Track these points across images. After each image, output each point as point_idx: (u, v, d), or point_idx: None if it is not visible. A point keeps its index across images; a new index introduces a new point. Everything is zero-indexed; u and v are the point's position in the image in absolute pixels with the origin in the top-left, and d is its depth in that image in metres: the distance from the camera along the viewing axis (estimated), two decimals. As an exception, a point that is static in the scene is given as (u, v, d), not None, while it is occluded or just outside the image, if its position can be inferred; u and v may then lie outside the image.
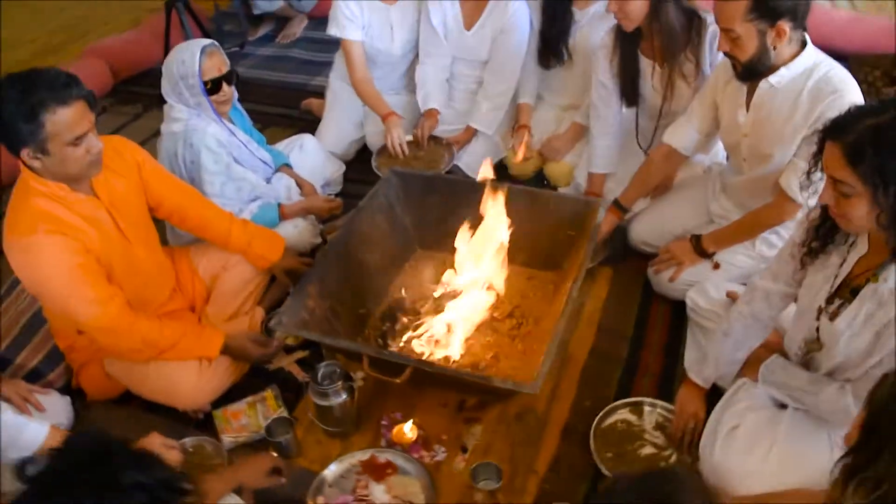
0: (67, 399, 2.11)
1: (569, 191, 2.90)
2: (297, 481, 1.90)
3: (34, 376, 2.16)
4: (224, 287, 2.35)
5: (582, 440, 2.01)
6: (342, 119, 3.21)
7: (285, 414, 2.11)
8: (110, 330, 1.93)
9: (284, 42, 4.47)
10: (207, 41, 2.39)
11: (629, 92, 2.63)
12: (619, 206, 2.55)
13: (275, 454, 1.95)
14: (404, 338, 2.16)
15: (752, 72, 2.08)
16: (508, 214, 2.18)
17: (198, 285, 2.35)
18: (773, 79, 2.07)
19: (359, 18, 2.94)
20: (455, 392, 2.14)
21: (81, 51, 4.26)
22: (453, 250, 2.26)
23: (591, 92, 2.71)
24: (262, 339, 2.21)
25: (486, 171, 2.23)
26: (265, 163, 2.66)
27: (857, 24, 3.77)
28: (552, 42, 2.87)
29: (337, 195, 3.00)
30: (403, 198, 2.53)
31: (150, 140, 3.51)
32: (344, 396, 1.97)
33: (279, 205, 2.58)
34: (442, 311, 2.19)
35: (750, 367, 1.93)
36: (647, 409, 2.08)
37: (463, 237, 2.22)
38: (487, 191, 2.18)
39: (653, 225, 2.60)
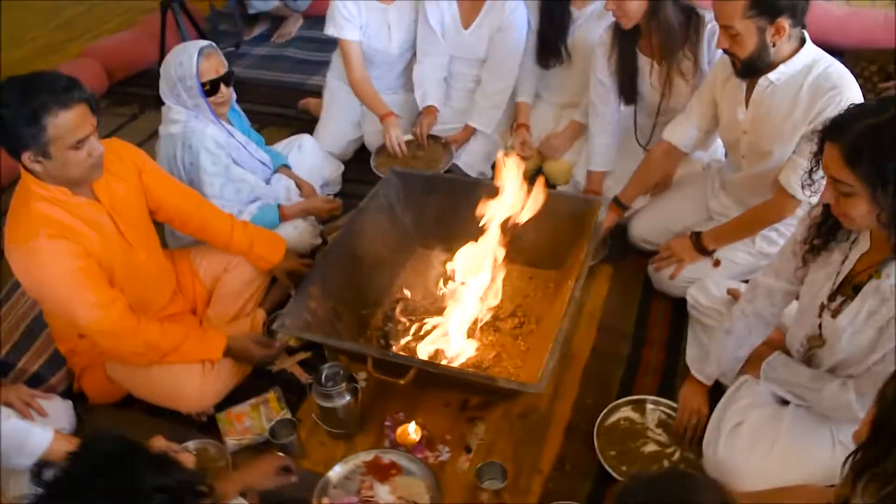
0: (69, 403, 2.11)
1: (568, 189, 2.90)
2: (302, 483, 1.89)
3: (36, 381, 2.15)
4: (225, 289, 2.35)
5: (585, 438, 2.02)
6: (340, 119, 3.20)
7: (288, 416, 2.11)
8: (112, 333, 1.93)
9: (280, 41, 4.46)
10: (205, 43, 2.38)
11: (627, 90, 2.63)
12: (618, 204, 2.55)
13: (282, 454, 1.95)
14: (407, 338, 2.16)
15: (751, 69, 2.08)
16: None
17: (199, 288, 2.35)
18: (772, 76, 2.08)
19: (356, 18, 2.94)
20: (458, 392, 2.14)
21: (81, 50, 4.24)
22: (454, 249, 2.26)
23: (590, 90, 2.71)
24: (264, 340, 2.21)
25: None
26: (264, 164, 2.66)
27: (852, 18, 3.77)
28: (551, 42, 2.86)
29: (336, 195, 3.00)
30: (404, 198, 2.53)
31: (147, 141, 3.51)
32: (348, 398, 1.97)
33: (279, 206, 2.57)
34: (444, 310, 2.19)
35: (752, 364, 1.94)
36: (649, 406, 2.09)
37: (465, 238, 2.22)
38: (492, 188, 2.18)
39: (652, 222, 2.60)
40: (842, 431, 1.77)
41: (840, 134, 1.48)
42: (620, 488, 1.13)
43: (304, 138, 3.00)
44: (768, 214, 2.23)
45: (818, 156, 1.57)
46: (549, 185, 2.95)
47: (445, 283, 2.27)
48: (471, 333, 2.19)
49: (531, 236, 2.27)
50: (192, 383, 2.06)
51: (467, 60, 3.05)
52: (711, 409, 1.95)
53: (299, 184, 2.76)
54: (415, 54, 3.11)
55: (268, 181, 2.68)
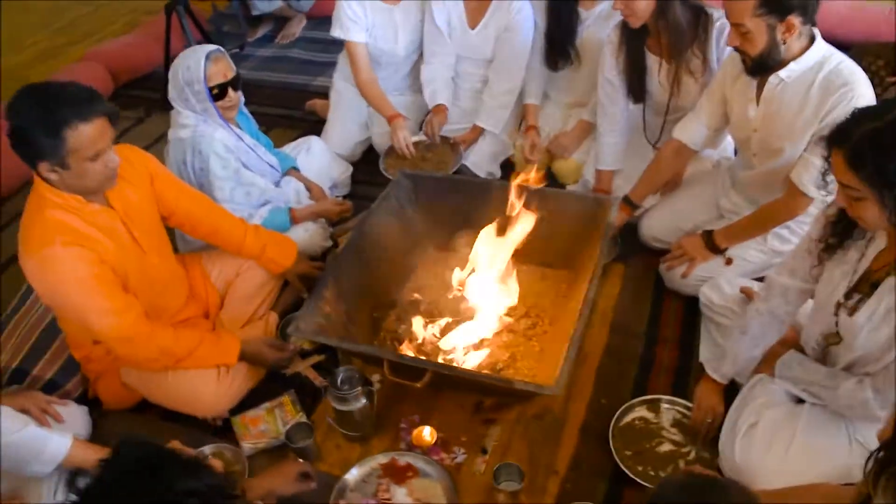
0: (85, 409, 2.11)
1: (577, 188, 2.90)
2: (318, 486, 1.89)
3: (51, 387, 2.15)
4: (238, 293, 2.35)
5: (600, 439, 2.02)
6: (347, 120, 3.20)
7: (304, 419, 2.11)
8: (127, 340, 1.93)
9: (284, 42, 4.46)
10: (213, 47, 2.38)
11: (636, 88, 2.63)
12: (629, 203, 2.55)
13: (301, 460, 1.96)
14: (420, 340, 2.16)
15: (762, 66, 2.08)
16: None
17: (211, 292, 2.35)
18: (782, 73, 2.08)
19: (362, 20, 2.93)
20: (472, 394, 2.14)
21: (83, 54, 4.24)
22: (466, 251, 2.27)
23: (598, 89, 2.71)
24: (278, 343, 2.22)
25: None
26: (272, 167, 2.66)
27: (858, 12, 3.77)
28: (559, 43, 2.86)
29: (345, 197, 3.01)
30: (414, 199, 2.53)
31: (154, 145, 3.51)
32: (363, 401, 1.97)
33: (289, 209, 2.57)
34: (457, 312, 2.19)
35: (766, 363, 1.94)
36: (664, 406, 2.09)
37: (477, 239, 2.22)
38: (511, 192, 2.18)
39: (663, 221, 2.60)
40: (858, 430, 1.77)
41: (843, 140, 1.50)
42: (652, 494, 1.14)
43: (313, 140, 3.00)
44: (780, 212, 2.23)
45: (828, 160, 1.58)
46: (559, 184, 2.97)
47: (458, 285, 2.27)
48: (485, 335, 2.19)
49: (543, 236, 2.27)
50: (208, 388, 2.06)
51: (474, 60, 3.05)
52: (726, 408, 1.95)
53: (309, 186, 2.76)
54: (421, 55, 3.11)
55: (277, 184, 2.68)
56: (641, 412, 2.08)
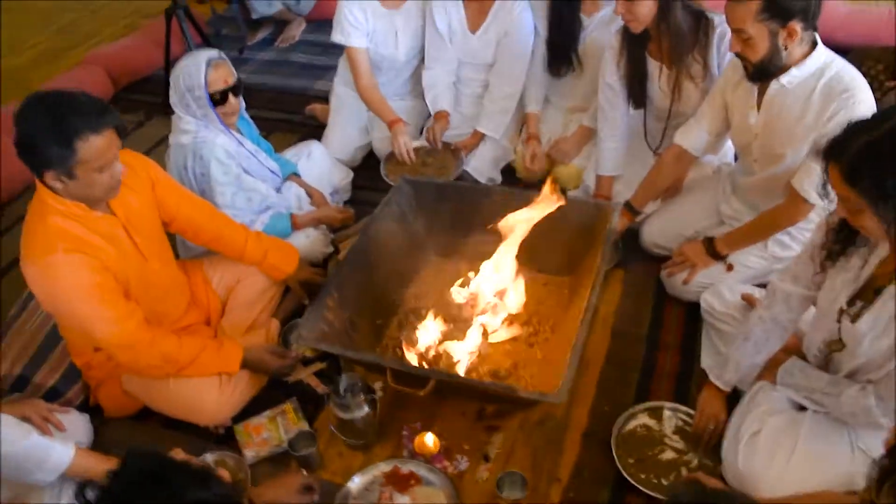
0: (86, 417, 2.10)
1: (578, 194, 2.90)
2: (321, 494, 1.89)
3: (52, 395, 2.15)
4: (239, 299, 2.35)
5: (602, 446, 2.02)
6: (347, 125, 3.20)
7: (306, 427, 2.11)
8: (129, 347, 1.93)
9: (283, 46, 4.45)
10: (214, 53, 2.37)
11: (637, 94, 2.63)
12: (630, 209, 2.55)
13: (305, 472, 1.95)
14: (422, 348, 2.16)
15: (763, 72, 2.09)
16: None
17: (212, 298, 2.35)
18: (784, 79, 2.08)
19: (363, 25, 2.93)
20: (475, 401, 2.14)
21: (83, 57, 4.23)
22: (468, 257, 2.27)
23: (599, 94, 2.71)
24: (280, 351, 2.21)
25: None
26: (273, 172, 2.65)
27: (857, 16, 3.78)
28: (561, 50, 2.86)
29: (346, 202, 3.00)
30: (416, 206, 2.52)
31: (154, 149, 3.50)
32: (366, 409, 1.97)
33: (291, 215, 2.57)
34: (459, 319, 2.19)
35: (768, 370, 1.94)
36: (666, 413, 2.08)
37: (478, 245, 2.22)
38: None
39: (664, 227, 2.60)
40: (860, 437, 1.77)
41: (839, 154, 1.50)
42: None
43: (314, 145, 2.99)
44: (781, 218, 2.23)
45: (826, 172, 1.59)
46: (560, 189, 2.96)
47: (460, 292, 2.27)
48: (487, 342, 2.19)
49: (544, 243, 2.27)
50: (210, 396, 2.06)
51: (475, 65, 3.04)
52: (729, 415, 1.95)
53: (309, 192, 2.76)
54: (422, 60, 3.11)
55: (278, 189, 2.68)
56: (644, 419, 2.08)
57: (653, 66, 2.55)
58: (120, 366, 2.07)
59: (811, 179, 2.03)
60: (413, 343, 2.16)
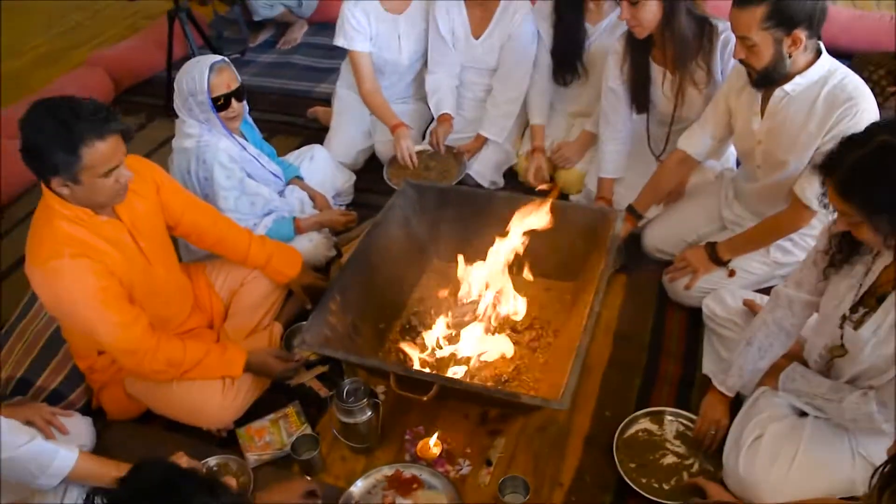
0: (89, 420, 2.11)
1: (580, 198, 2.91)
2: (323, 498, 1.90)
3: (55, 398, 2.15)
4: (242, 303, 2.35)
5: (604, 450, 2.02)
6: (350, 128, 3.20)
7: (308, 430, 2.11)
8: (134, 352, 1.94)
9: (285, 48, 4.45)
10: (217, 58, 2.38)
11: (640, 98, 2.63)
12: (633, 213, 2.56)
13: (308, 477, 1.96)
14: (425, 353, 2.16)
15: (767, 79, 2.09)
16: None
17: (215, 302, 2.35)
18: (788, 87, 2.08)
19: (366, 29, 2.93)
20: (477, 405, 2.14)
21: (84, 58, 4.23)
22: (471, 262, 2.27)
23: (602, 98, 2.71)
24: (284, 354, 2.22)
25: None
26: (276, 176, 2.66)
27: (858, 21, 3.78)
28: (567, 59, 2.86)
29: (348, 206, 3.01)
30: (419, 210, 2.53)
31: (156, 151, 3.51)
32: (369, 413, 1.98)
33: (294, 218, 2.57)
34: (462, 324, 2.20)
35: (770, 375, 1.95)
36: (668, 418, 2.09)
37: (481, 249, 2.23)
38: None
39: (666, 232, 2.61)
40: (861, 443, 1.78)
41: (833, 170, 1.54)
42: None
43: (316, 149, 3.00)
44: (783, 225, 2.24)
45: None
46: (562, 194, 2.97)
47: (462, 297, 2.27)
48: (489, 347, 2.19)
49: (547, 248, 2.28)
50: (213, 399, 2.06)
51: (478, 70, 3.05)
52: (731, 421, 1.96)
53: (312, 195, 2.76)
54: (425, 64, 3.11)
55: (281, 193, 2.68)
56: (645, 424, 2.08)
57: (656, 71, 2.56)
58: (124, 369, 2.07)
59: (813, 187, 2.03)
60: (416, 347, 2.16)
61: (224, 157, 2.39)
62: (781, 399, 1.90)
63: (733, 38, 2.11)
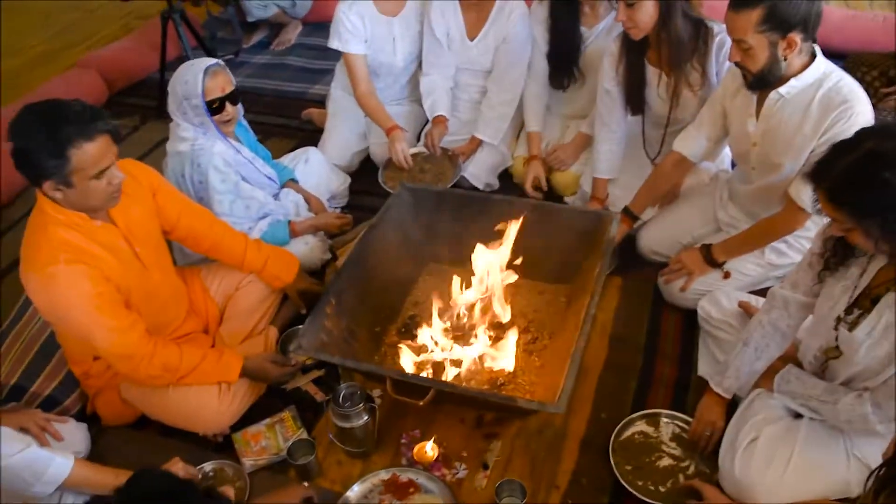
0: (84, 426, 2.10)
1: (575, 200, 2.91)
2: (320, 502, 1.90)
3: (50, 404, 2.13)
4: (237, 307, 2.35)
5: (600, 453, 2.03)
6: (345, 130, 3.19)
7: (305, 435, 2.11)
8: (130, 357, 1.93)
9: (279, 49, 4.44)
10: (212, 61, 2.37)
11: (635, 100, 2.64)
12: (629, 214, 2.56)
13: (305, 482, 1.95)
14: (421, 357, 2.16)
15: (762, 82, 2.10)
16: (521, 228, 2.19)
17: (211, 306, 2.35)
18: (783, 89, 2.09)
19: (361, 32, 2.92)
20: (473, 408, 2.14)
21: (78, 59, 4.21)
22: (466, 265, 2.27)
23: (597, 99, 2.71)
24: (280, 359, 2.21)
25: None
26: (271, 179, 2.65)
27: (851, 22, 3.79)
28: (563, 64, 2.86)
29: (343, 208, 3.00)
30: (415, 213, 2.52)
31: (149, 153, 3.49)
32: (365, 418, 1.98)
33: (289, 222, 2.57)
34: (458, 327, 2.20)
35: (765, 377, 1.96)
36: (663, 420, 2.09)
37: (475, 255, 2.22)
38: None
39: (661, 233, 2.61)
40: (856, 445, 1.79)
41: (823, 178, 1.55)
42: None
43: (311, 151, 2.99)
44: (778, 227, 2.24)
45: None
46: (557, 196, 2.97)
47: (457, 300, 2.27)
48: (484, 351, 2.19)
49: (542, 251, 2.28)
50: (209, 404, 2.06)
51: (473, 72, 3.05)
52: (726, 423, 1.96)
53: (307, 198, 2.76)
54: (420, 66, 3.11)
55: (276, 196, 2.68)
56: (641, 426, 2.09)
57: (651, 73, 2.56)
58: (119, 375, 2.07)
59: (808, 189, 2.04)
60: (411, 351, 2.16)
61: (219, 161, 2.39)
62: (777, 401, 1.90)
63: (728, 41, 2.11)
